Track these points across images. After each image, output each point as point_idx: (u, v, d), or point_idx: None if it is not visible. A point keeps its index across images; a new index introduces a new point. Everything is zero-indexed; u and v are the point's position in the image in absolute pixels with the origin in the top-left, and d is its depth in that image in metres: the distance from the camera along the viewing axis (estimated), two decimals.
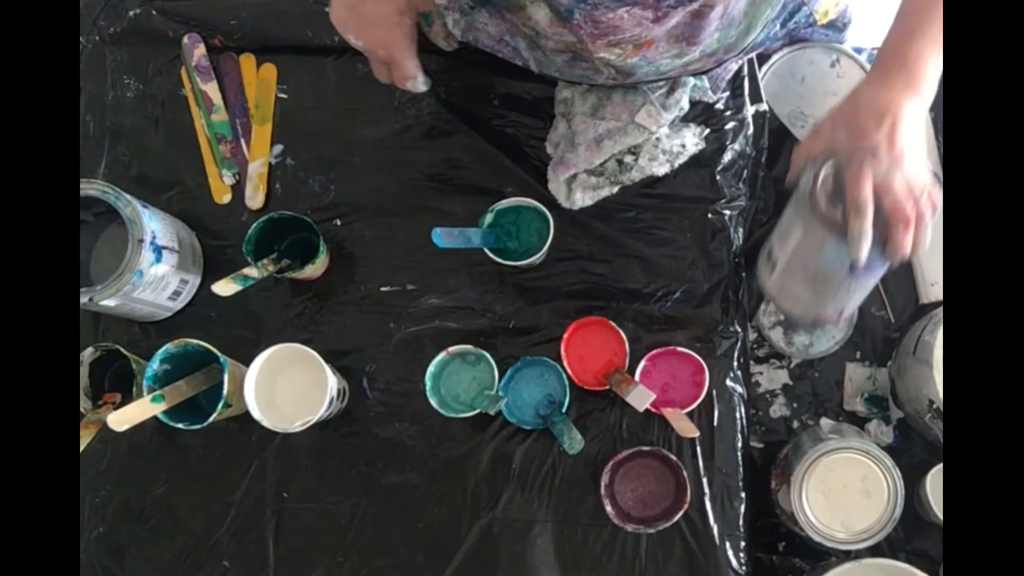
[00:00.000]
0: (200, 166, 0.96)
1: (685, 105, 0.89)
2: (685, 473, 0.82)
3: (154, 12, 0.98)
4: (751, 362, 0.92)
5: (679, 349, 0.86)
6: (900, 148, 0.66)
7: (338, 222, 0.94)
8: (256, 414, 0.80)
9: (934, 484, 0.85)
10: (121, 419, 0.74)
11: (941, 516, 0.83)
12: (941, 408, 0.80)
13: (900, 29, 0.71)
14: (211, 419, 0.80)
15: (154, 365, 0.81)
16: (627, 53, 0.76)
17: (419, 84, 0.83)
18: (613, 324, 0.86)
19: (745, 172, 0.92)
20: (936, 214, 0.67)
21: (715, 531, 0.84)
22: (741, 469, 0.86)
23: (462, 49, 0.88)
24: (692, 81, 0.88)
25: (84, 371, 0.85)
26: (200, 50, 0.97)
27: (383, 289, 0.92)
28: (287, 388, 0.86)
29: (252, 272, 0.83)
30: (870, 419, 0.91)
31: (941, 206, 0.67)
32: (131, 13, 0.99)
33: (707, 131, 0.91)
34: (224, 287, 0.80)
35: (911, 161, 0.67)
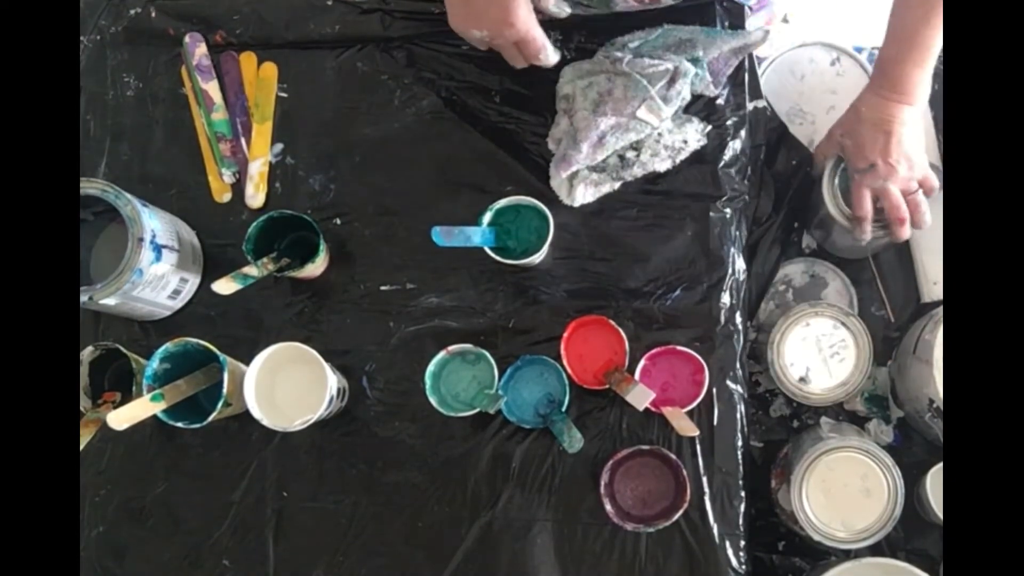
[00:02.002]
0: (200, 165, 0.96)
1: (687, 95, 0.89)
2: (685, 472, 0.82)
3: (154, 11, 0.98)
4: (751, 362, 0.92)
5: (679, 348, 0.85)
6: (894, 160, 0.83)
7: (338, 221, 0.94)
8: (256, 413, 0.80)
9: (934, 484, 0.85)
10: (121, 418, 0.74)
11: (941, 516, 0.83)
12: (941, 408, 0.80)
13: (891, 49, 0.83)
14: (211, 418, 0.80)
15: (154, 364, 0.81)
16: None
17: (550, 55, 0.82)
18: (613, 323, 0.86)
19: (749, 169, 0.91)
20: (935, 195, 0.86)
21: (715, 530, 0.84)
22: (741, 468, 0.86)
23: (463, 43, 0.87)
24: (693, 70, 0.88)
25: (84, 370, 0.85)
26: (201, 49, 0.97)
27: (383, 288, 0.92)
28: (287, 387, 0.86)
29: (252, 271, 0.83)
30: (870, 418, 0.91)
31: (940, 188, 0.86)
32: (132, 12, 0.99)
33: (708, 127, 0.91)
34: (224, 286, 0.80)
35: (905, 166, 0.84)
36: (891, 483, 0.81)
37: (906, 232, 0.85)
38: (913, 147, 0.84)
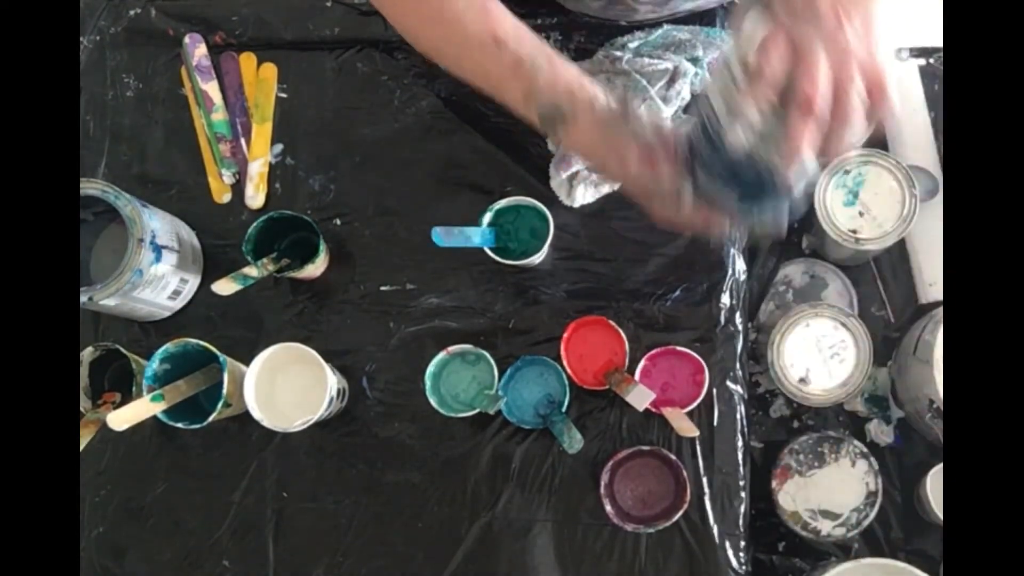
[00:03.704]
0: (200, 165, 0.96)
1: (687, 95, 0.88)
2: (685, 473, 0.82)
3: (154, 11, 0.99)
4: (751, 362, 0.92)
5: (679, 348, 0.85)
6: (847, 17, 0.54)
7: (338, 221, 0.94)
8: (256, 414, 0.80)
9: (934, 484, 0.85)
10: (121, 418, 0.74)
11: (941, 516, 0.83)
12: (941, 408, 0.79)
13: None
14: (211, 419, 0.80)
15: (154, 364, 0.81)
16: None
17: None
18: (613, 323, 0.86)
19: None
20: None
21: (715, 531, 0.84)
22: (741, 469, 0.86)
23: None
24: (692, 70, 0.88)
25: (84, 371, 0.85)
26: (201, 50, 0.97)
27: (383, 288, 0.92)
28: (287, 387, 0.86)
29: (252, 271, 0.83)
30: (870, 419, 0.91)
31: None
32: (131, 12, 0.99)
33: None
34: (224, 286, 0.80)
35: (861, 31, 0.54)
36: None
37: (811, 146, 0.55)
38: (882, 16, 0.55)
